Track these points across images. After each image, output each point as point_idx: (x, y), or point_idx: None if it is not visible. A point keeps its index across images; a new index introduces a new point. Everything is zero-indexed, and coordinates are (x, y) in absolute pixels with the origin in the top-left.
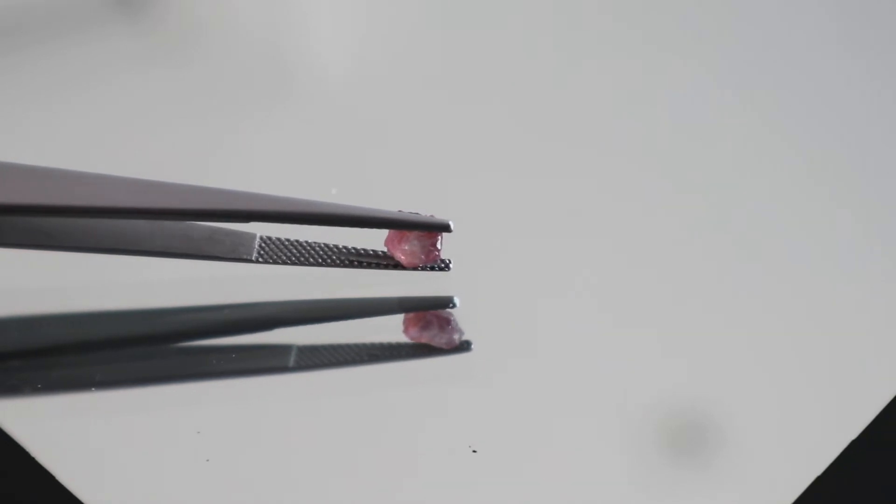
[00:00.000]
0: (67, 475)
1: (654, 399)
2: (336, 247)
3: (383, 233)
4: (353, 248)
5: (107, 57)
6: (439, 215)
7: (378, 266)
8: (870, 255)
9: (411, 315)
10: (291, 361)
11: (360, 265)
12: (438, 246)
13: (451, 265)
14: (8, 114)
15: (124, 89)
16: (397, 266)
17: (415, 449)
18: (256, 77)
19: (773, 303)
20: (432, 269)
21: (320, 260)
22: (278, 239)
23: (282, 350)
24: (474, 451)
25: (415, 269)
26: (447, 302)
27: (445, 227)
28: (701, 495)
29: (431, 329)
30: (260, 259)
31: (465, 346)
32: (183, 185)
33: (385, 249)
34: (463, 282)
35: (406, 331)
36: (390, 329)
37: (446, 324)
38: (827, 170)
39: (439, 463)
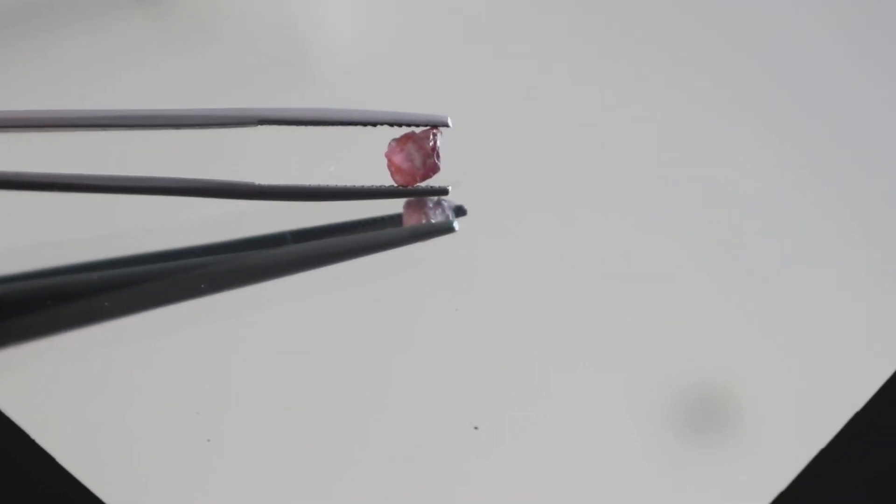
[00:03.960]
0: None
1: (657, 375)
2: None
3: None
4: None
5: (119, 45)
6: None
7: (377, 195)
8: (867, 243)
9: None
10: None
11: (360, 196)
12: (437, 147)
13: (449, 189)
14: (20, 102)
15: (136, 77)
16: (397, 193)
17: (419, 426)
18: (270, 65)
19: (777, 281)
20: (431, 192)
21: (320, 194)
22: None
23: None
24: (476, 428)
25: (413, 188)
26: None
27: (443, 123)
28: (703, 471)
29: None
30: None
31: (461, 212)
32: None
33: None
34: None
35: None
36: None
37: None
38: (839, 158)
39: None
